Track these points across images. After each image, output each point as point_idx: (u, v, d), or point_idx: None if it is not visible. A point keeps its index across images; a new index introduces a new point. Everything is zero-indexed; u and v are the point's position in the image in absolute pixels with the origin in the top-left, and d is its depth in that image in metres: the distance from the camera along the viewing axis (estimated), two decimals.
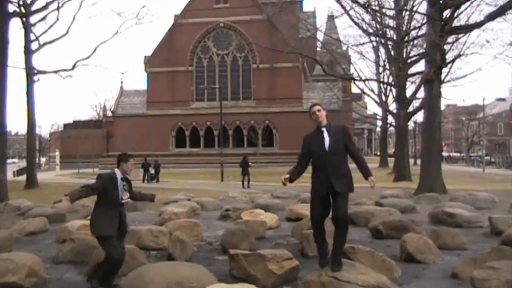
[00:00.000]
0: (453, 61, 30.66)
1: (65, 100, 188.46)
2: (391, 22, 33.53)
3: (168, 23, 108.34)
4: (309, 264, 7.59)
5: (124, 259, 7.08)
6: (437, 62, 21.87)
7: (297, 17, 49.40)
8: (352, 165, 6.58)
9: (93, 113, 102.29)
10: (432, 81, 22.08)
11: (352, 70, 50.19)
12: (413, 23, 33.34)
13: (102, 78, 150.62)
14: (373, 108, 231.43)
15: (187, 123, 70.52)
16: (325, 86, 64.60)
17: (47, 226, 12.63)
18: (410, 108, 37.46)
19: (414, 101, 38.48)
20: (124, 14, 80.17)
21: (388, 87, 45.29)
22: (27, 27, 33.68)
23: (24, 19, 33.10)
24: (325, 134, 6.60)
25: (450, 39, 27.45)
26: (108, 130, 74.73)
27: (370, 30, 33.98)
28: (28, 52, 34.23)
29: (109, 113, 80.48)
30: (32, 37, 34.61)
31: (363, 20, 33.73)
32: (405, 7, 31.51)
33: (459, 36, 28.83)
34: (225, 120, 52.45)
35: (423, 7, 31.63)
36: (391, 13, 31.73)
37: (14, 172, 53.65)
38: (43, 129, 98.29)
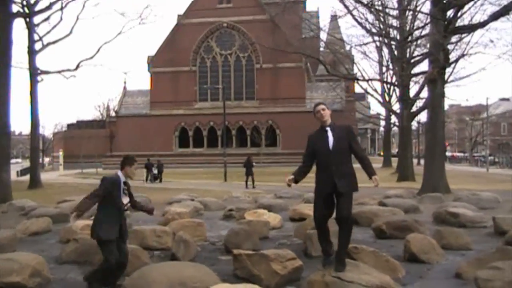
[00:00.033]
0: (456, 61, 30.59)
1: (69, 100, 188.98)
2: (395, 22, 33.56)
3: (171, 23, 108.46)
4: (313, 264, 7.58)
5: (128, 260, 7.07)
6: (440, 62, 21.83)
7: (300, 17, 49.33)
8: (357, 165, 6.55)
9: (96, 113, 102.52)
10: (436, 81, 22.05)
11: (355, 70, 50.23)
12: (417, 23, 33.32)
13: (106, 78, 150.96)
14: (376, 108, 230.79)
15: (190, 123, 70.53)
16: (328, 86, 64.55)
17: (51, 226, 12.65)
18: (414, 108, 37.40)
19: (417, 101, 38.38)
20: (127, 14, 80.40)
21: (392, 87, 45.29)
22: (31, 28, 33.72)
23: (27, 19, 33.14)
24: (329, 134, 6.60)
25: (454, 38, 27.38)
26: (111, 130, 74.77)
27: (374, 30, 33.98)
28: (31, 52, 34.28)
29: (113, 113, 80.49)
30: (36, 37, 34.66)
31: (366, 20, 33.76)
32: (408, 7, 31.46)
33: (463, 35, 28.77)
34: (228, 120, 52.48)
35: (426, 7, 31.54)
36: (395, 13, 31.75)
37: (17, 172, 53.73)
38: (47, 129, 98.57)
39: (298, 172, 6.82)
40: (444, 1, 21.16)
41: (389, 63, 42.42)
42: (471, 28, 23.34)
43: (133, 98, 74.58)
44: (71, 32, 37.31)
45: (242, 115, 68.48)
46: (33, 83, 34.29)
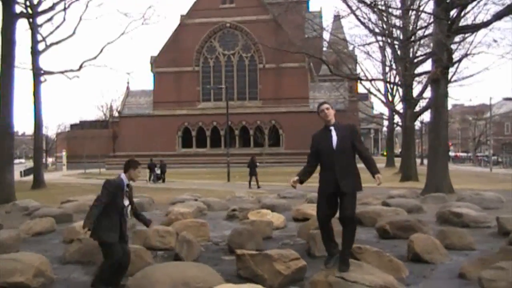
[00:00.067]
0: (460, 60, 30.54)
1: (72, 101, 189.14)
2: (398, 22, 33.44)
3: (174, 23, 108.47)
4: (316, 264, 7.58)
5: (130, 261, 7.07)
6: (443, 61, 21.81)
7: (303, 17, 49.37)
8: (361, 165, 6.54)
9: (99, 114, 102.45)
10: (439, 81, 22.03)
11: (358, 70, 50.08)
12: (420, 22, 33.24)
13: (109, 78, 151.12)
14: (379, 108, 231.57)
15: (193, 123, 70.56)
16: (331, 86, 64.51)
17: (54, 226, 12.67)
18: (417, 108, 37.35)
19: (420, 100, 38.36)
20: (130, 14, 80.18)
21: (395, 87, 45.17)
22: (34, 28, 33.77)
23: (31, 20, 33.18)
24: (333, 133, 6.59)
25: (457, 38, 27.35)
26: (114, 131, 74.85)
27: (377, 30, 33.92)
28: (35, 53, 34.34)
29: (116, 114, 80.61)
30: (39, 37, 34.71)
31: (369, 19, 33.69)
32: (411, 7, 31.42)
33: (466, 35, 28.74)
34: (231, 120, 52.47)
35: (429, 7, 31.63)
36: (398, 12, 31.66)
37: (21, 172, 53.79)
38: (50, 129, 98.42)
39: (302, 173, 6.82)
40: (448, 1, 21.13)
41: (392, 63, 42.32)
42: (474, 27, 23.32)
43: (136, 98, 74.64)
44: (74, 32, 37.37)
45: (245, 115, 68.48)
46: (37, 83, 34.34)
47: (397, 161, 49.62)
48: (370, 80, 40.69)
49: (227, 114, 42.39)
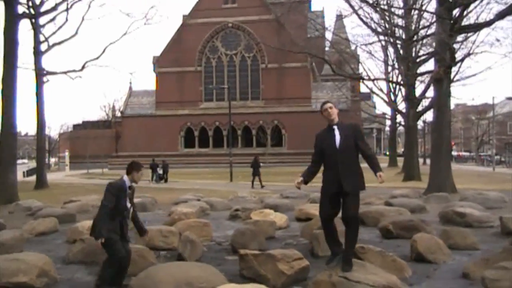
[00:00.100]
0: (462, 60, 30.46)
1: (75, 101, 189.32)
2: (400, 21, 33.46)
3: (177, 23, 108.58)
4: (319, 264, 7.56)
5: (130, 260, 7.08)
6: (446, 61, 21.78)
7: (305, 17, 49.27)
8: (365, 165, 6.53)
9: (102, 114, 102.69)
10: (442, 80, 22.01)
11: (360, 70, 49.94)
12: (422, 22, 33.22)
13: (111, 78, 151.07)
14: (382, 107, 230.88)
15: (196, 123, 70.57)
16: (334, 86, 64.51)
17: (57, 226, 12.69)
18: (419, 108, 37.28)
19: (423, 100, 38.30)
20: (132, 14, 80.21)
21: (397, 87, 45.20)
22: (37, 28, 33.82)
23: (33, 20, 33.21)
24: (336, 132, 6.58)
25: (460, 38, 27.30)
26: (117, 131, 74.93)
27: (379, 29, 33.89)
28: (37, 53, 34.39)
29: (118, 114, 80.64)
30: (42, 38, 34.77)
31: (371, 19, 33.70)
32: (414, 6, 31.40)
33: (469, 34, 28.69)
34: (233, 120, 52.48)
35: (432, 6, 31.49)
36: (400, 12, 31.68)
37: (24, 172, 53.90)
38: (53, 129, 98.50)
39: (306, 173, 6.81)
40: (450, 0, 21.10)
41: (394, 62, 42.32)
42: (477, 27, 23.27)
43: (138, 98, 74.69)
44: (76, 32, 37.45)
45: (247, 115, 68.47)
46: (39, 84, 34.41)
47: (400, 161, 49.60)
48: (373, 80, 40.67)
49: (230, 114, 42.39)
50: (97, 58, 38.62)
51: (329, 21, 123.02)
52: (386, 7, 30.82)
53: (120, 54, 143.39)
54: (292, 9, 38.67)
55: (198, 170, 57.84)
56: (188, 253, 8.67)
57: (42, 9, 33.20)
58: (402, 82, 38.48)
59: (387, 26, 33.55)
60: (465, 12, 23.05)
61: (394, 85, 45.05)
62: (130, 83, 78.05)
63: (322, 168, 6.79)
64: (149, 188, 29.02)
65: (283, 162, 61.64)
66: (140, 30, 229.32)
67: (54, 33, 36.28)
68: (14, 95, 24.51)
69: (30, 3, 32.46)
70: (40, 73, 34.42)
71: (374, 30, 33.47)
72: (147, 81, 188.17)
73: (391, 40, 34.84)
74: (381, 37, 36.88)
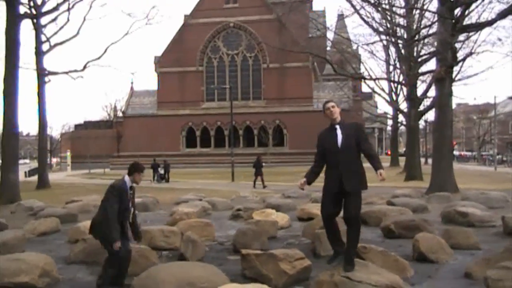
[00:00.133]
0: (464, 59, 30.47)
1: (76, 101, 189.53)
2: (402, 21, 33.40)
3: (178, 23, 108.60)
4: (321, 264, 7.56)
5: (132, 260, 7.08)
6: (448, 60, 21.77)
7: (306, 17, 49.35)
8: (367, 164, 6.50)
9: (103, 114, 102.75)
10: (443, 80, 21.98)
11: (362, 69, 50.05)
12: (424, 21, 33.21)
13: (113, 78, 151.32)
14: (383, 107, 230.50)
15: (198, 123, 70.55)
16: (335, 86, 64.43)
17: (59, 226, 12.70)
18: (421, 107, 37.26)
19: (425, 100, 38.27)
20: (134, 14, 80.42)
21: (399, 86, 45.20)
22: (38, 28, 33.84)
23: (35, 20, 33.26)
24: (338, 131, 6.58)
25: (461, 37, 27.31)
26: (118, 131, 74.92)
27: (381, 29, 33.85)
28: (39, 53, 34.41)
29: (120, 114, 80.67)
30: (43, 38, 34.79)
31: (373, 19, 33.63)
32: (415, 6, 31.37)
33: (470, 34, 28.68)
34: (235, 120, 52.44)
35: (433, 6, 31.47)
36: (402, 11, 31.65)
37: (25, 172, 53.95)
38: (54, 129, 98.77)
39: (309, 173, 6.81)
40: (452, 0, 21.09)
41: (396, 62, 42.31)
42: (478, 26, 23.24)
43: (140, 98, 74.68)
44: (78, 33, 37.46)
45: (249, 115, 68.42)
46: (41, 84, 34.42)
47: (402, 161, 49.54)
48: (374, 79, 40.73)
49: (231, 114, 42.36)
50: (99, 58, 38.65)
51: (331, 21, 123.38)
52: (387, 7, 30.79)
53: (121, 54, 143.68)
54: (293, 9, 38.64)
55: (200, 170, 57.84)
56: (190, 253, 8.67)
57: (44, 9, 33.23)
58: (403, 82, 38.45)
59: (388, 25, 33.50)
60: (466, 12, 23.04)
61: (395, 84, 45.07)
62: (132, 83, 78.12)
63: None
64: (150, 188, 29.02)
65: (285, 162, 61.60)
66: (142, 30, 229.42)
67: (55, 33, 36.32)
68: (15, 95, 24.53)
69: (32, 3, 32.50)
70: (41, 73, 34.43)
71: (375, 30, 33.44)
72: (149, 81, 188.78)
73: (393, 39, 34.80)
74: (383, 37, 36.87)
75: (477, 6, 25.01)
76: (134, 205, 7.17)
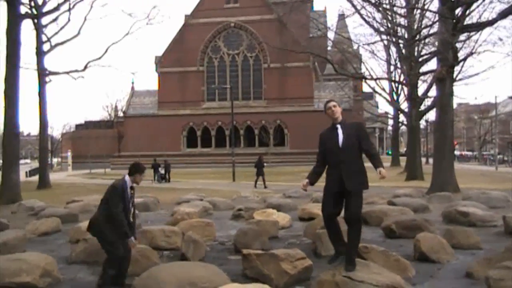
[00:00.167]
0: (465, 59, 30.44)
1: (77, 101, 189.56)
2: (403, 21, 33.40)
3: (179, 23, 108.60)
4: (322, 264, 7.55)
5: (134, 260, 7.08)
6: (449, 60, 21.76)
7: (307, 17, 49.31)
8: (368, 164, 6.49)
9: (104, 114, 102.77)
10: (444, 80, 21.97)
11: (363, 69, 50.11)
12: (425, 21, 33.20)
13: (114, 78, 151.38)
14: (384, 107, 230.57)
15: (198, 123, 70.57)
16: (336, 85, 64.39)
17: (60, 226, 12.69)
18: (422, 107, 37.27)
19: (425, 99, 38.32)
20: (135, 14, 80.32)
21: (400, 86, 45.15)
22: (39, 29, 33.84)
23: (35, 20, 33.26)
24: (339, 131, 6.57)
25: (462, 37, 27.29)
26: (119, 131, 74.94)
27: (381, 29, 33.84)
28: (40, 53, 34.41)
29: (120, 114, 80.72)
30: (44, 38, 34.78)
31: (374, 18, 33.61)
32: (416, 6, 31.36)
33: (471, 34, 28.66)
34: (236, 120, 52.44)
35: (434, 5, 31.49)
36: (402, 11, 31.64)
37: (26, 172, 53.96)
38: (55, 129, 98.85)
39: (312, 174, 6.82)
40: (452, 0, 21.08)
41: (397, 62, 42.28)
42: (479, 26, 23.23)
43: (140, 98, 74.71)
44: (79, 33, 37.46)
45: (250, 115, 68.44)
46: (42, 84, 34.41)
47: (402, 160, 49.53)
48: (375, 79, 40.69)
49: (232, 114, 42.38)
50: (100, 58, 38.65)
51: (331, 21, 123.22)
52: (388, 7, 30.78)
53: (122, 54, 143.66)
54: (294, 8, 38.64)
55: (201, 170, 57.87)
56: (191, 253, 8.67)
57: (45, 9, 33.21)
58: (404, 82, 38.46)
59: (389, 25, 33.48)
60: (467, 11, 23.04)
61: (396, 84, 45.03)
62: (132, 83, 78.15)
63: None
64: (151, 188, 29.03)
65: (286, 161, 61.66)
66: (142, 30, 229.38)
67: (56, 33, 36.33)
68: (16, 95, 24.55)
69: (33, 3, 32.50)
70: (42, 73, 34.43)
71: (376, 30, 33.44)
72: (149, 81, 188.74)
73: (394, 39, 34.78)
74: (384, 37, 36.84)
75: (478, 6, 25.02)
76: (134, 205, 7.18)
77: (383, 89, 44.88)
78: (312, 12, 70.76)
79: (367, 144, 6.63)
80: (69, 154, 68.20)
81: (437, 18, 24.81)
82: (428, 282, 7.17)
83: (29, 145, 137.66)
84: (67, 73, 37.16)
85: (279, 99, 68.66)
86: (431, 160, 39.75)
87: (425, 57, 34.28)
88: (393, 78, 44.53)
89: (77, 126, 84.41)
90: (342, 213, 6.57)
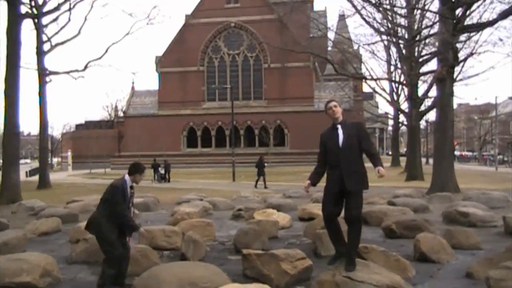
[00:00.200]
0: (465, 59, 30.46)
1: (77, 101, 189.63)
2: (403, 21, 33.40)
3: (179, 23, 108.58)
4: (322, 264, 7.54)
5: (134, 260, 7.08)
6: (449, 60, 21.76)
7: (308, 17, 49.30)
8: (369, 164, 6.49)
9: (104, 114, 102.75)
10: (445, 80, 21.96)
11: (363, 69, 50.10)
12: (425, 21, 33.21)
13: (114, 78, 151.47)
14: (384, 107, 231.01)
15: (199, 123, 70.58)
16: (336, 86, 64.40)
17: (60, 226, 12.69)
18: (422, 107, 37.26)
19: (426, 100, 38.32)
20: (135, 14, 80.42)
21: (400, 86, 45.17)
22: (39, 28, 33.83)
23: (36, 20, 33.26)
24: (340, 131, 6.57)
25: (462, 37, 27.30)
26: (119, 130, 74.95)
27: (382, 29, 33.86)
28: (40, 53, 34.41)
29: (121, 114, 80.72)
30: (44, 38, 34.77)
31: (374, 19, 33.62)
32: (416, 6, 31.34)
33: (471, 34, 28.67)
34: (236, 120, 52.47)
35: (435, 6, 31.51)
36: (403, 11, 31.64)
37: (26, 172, 53.97)
38: (55, 129, 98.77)
39: (313, 175, 6.82)
40: (453, 0, 21.08)
41: (397, 62, 42.30)
42: (480, 26, 23.25)
43: (141, 98, 74.73)
44: (79, 32, 37.46)
45: (250, 115, 68.45)
46: (42, 83, 34.40)
47: (402, 161, 49.54)
48: (375, 80, 40.70)
49: (232, 114, 42.39)
50: (100, 58, 38.63)
51: (332, 21, 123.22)
52: (388, 7, 30.81)
53: (122, 54, 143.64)
54: (294, 8, 38.66)
55: (201, 170, 57.88)
56: (191, 253, 8.67)
57: (45, 9, 33.22)
58: (404, 82, 38.46)
59: (389, 25, 33.50)
60: (467, 12, 23.05)
61: (396, 84, 45.05)
62: (133, 83, 78.28)
63: None
64: (151, 188, 29.03)
65: (286, 161, 61.66)
66: (143, 30, 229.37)
67: (56, 33, 36.34)
68: (17, 95, 24.55)
69: (33, 3, 32.50)
70: (42, 73, 34.43)
71: (376, 30, 33.44)
72: (150, 81, 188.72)
73: (394, 39, 34.80)
74: (384, 37, 36.87)
75: (478, 6, 25.05)
76: (133, 204, 7.19)
77: (383, 90, 44.92)
78: (312, 12, 70.78)
79: (368, 144, 6.63)
80: (69, 154, 68.20)
81: (437, 18, 24.82)
82: (428, 282, 7.17)
83: (29, 145, 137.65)
84: (68, 73, 37.15)
85: (279, 99, 68.68)
86: (431, 161, 39.73)
87: (425, 57, 34.29)
88: (393, 79, 44.56)
89: (77, 126, 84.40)
90: (342, 213, 6.57)
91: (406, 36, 33.70)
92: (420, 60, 34.35)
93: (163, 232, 9.89)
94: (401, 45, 35.19)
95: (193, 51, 69.98)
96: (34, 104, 50.64)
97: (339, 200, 6.49)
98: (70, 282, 7.64)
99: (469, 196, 17.13)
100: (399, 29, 34.09)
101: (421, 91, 37.72)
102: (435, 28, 28.34)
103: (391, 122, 66.06)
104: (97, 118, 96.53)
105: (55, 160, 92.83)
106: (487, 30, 29.02)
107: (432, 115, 49.95)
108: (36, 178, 38.64)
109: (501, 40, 29.33)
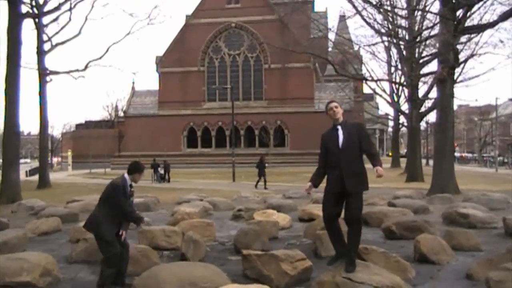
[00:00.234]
0: (466, 61, 30.49)
1: (77, 101, 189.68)
2: (403, 22, 33.42)
3: (180, 23, 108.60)
4: (322, 265, 7.53)
5: (134, 260, 7.09)
6: (450, 62, 21.76)
7: (308, 17, 49.35)
8: (369, 165, 6.49)
9: (105, 114, 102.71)
10: (445, 81, 21.97)
11: (364, 70, 50.12)
12: (426, 23, 33.22)
13: (114, 78, 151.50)
14: (385, 108, 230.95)
15: (199, 123, 70.59)
16: (336, 86, 64.43)
17: (60, 225, 12.69)
18: (422, 108, 37.30)
19: (426, 101, 38.29)
20: (136, 14, 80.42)
21: (400, 87, 45.17)
22: (40, 28, 33.83)
23: (36, 20, 33.25)
24: (340, 132, 6.58)
25: (463, 38, 27.28)
26: (119, 130, 74.97)
27: (382, 30, 33.85)
28: (40, 53, 34.40)
29: (121, 113, 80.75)
30: (45, 37, 34.76)
31: (375, 20, 33.62)
32: (417, 7, 31.36)
33: (472, 35, 28.67)
34: (236, 120, 52.48)
35: (435, 7, 31.54)
36: (403, 13, 31.63)
37: (26, 172, 53.97)
38: (55, 129, 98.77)
39: (315, 176, 6.82)
40: (454, 1, 21.08)
41: (397, 63, 42.34)
42: (480, 28, 23.26)
43: (141, 98, 74.73)
44: (79, 32, 37.43)
45: (250, 115, 68.46)
46: (42, 83, 34.39)
47: (403, 162, 49.56)
48: (376, 81, 40.71)
49: (233, 114, 42.41)
50: (100, 58, 38.58)
51: (332, 22, 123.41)
52: (389, 8, 30.80)
53: (123, 54, 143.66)
54: (295, 9, 38.75)
55: (201, 170, 57.87)
56: (191, 253, 8.67)
57: (46, 9, 33.20)
58: (405, 83, 38.47)
59: (390, 27, 33.52)
60: (468, 13, 23.06)
61: (397, 86, 45.06)
62: (133, 83, 78.54)
63: None
64: (151, 188, 29.04)
65: (286, 162, 61.67)
66: (143, 30, 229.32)
67: (57, 32, 36.33)
68: (17, 95, 24.54)
69: (34, 3, 32.48)
70: (43, 73, 34.42)
71: (377, 31, 33.43)
72: (150, 81, 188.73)
73: (395, 41, 34.81)
74: (384, 38, 36.86)
75: (479, 8, 25.08)
76: (132, 203, 7.20)
77: (384, 91, 44.93)
78: (313, 13, 70.85)
79: (368, 145, 6.64)
80: (69, 153, 68.20)
81: (438, 19, 24.81)
82: (428, 283, 7.17)
83: (29, 145, 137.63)
84: (68, 72, 37.12)
85: (279, 99, 68.68)
86: (431, 162, 39.72)
87: (426, 58, 34.30)
88: (393, 80, 44.60)
89: (78, 125, 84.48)
90: (342, 214, 6.58)
91: (407, 37, 33.74)
92: (421, 61, 34.37)
93: (163, 232, 9.89)
94: (402, 46, 35.20)
95: (193, 51, 70.00)
96: (34, 104, 50.66)
97: (339, 201, 6.50)
98: (70, 281, 7.64)
99: (469, 197, 17.13)
100: (399, 30, 34.11)
101: (421, 92, 37.77)
102: (436, 30, 28.35)
103: (391, 123, 66.02)
104: (97, 118, 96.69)
105: (55, 159, 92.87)
106: (488, 32, 29.04)
107: (432, 116, 49.98)
108: (36, 177, 38.66)
109: (501, 41, 29.53)
